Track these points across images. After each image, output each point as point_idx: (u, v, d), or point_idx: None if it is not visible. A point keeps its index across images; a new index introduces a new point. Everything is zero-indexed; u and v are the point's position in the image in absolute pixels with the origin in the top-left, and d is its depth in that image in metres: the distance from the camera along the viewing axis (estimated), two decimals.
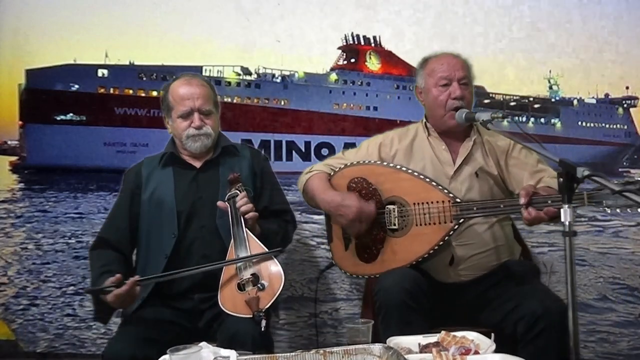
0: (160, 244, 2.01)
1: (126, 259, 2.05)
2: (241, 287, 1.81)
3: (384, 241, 2.01)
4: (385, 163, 2.07)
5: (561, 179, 1.50)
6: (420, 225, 1.96)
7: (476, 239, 2.03)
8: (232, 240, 1.88)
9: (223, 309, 1.80)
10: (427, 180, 1.97)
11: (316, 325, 2.33)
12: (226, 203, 1.94)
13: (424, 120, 2.17)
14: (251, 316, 1.74)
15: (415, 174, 1.99)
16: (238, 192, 1.93)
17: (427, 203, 1.95)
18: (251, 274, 1.81)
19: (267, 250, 1.87)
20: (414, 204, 1.97)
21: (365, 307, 2.29)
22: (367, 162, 2.10)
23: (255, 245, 1.88)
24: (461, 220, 1.94)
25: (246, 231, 1.89)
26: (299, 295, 3.46)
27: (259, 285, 1.79)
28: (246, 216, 1.90)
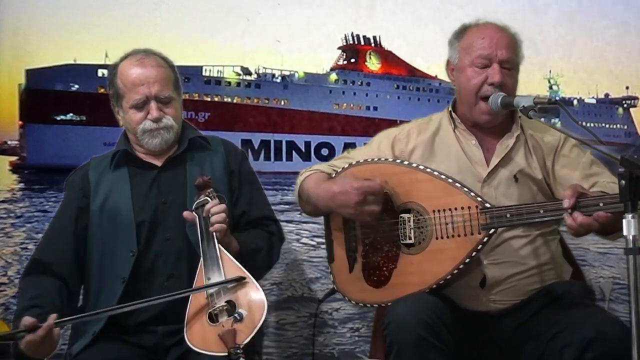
0: (115, 265, 1.64)
1: (68, 289, 1.65)
2: (213, 317, 1.48)
3: (397, 259, 1.64)
4: (398, 161, 1.70)
5: (623, 182, 1.21)
6: (441, 238, 1.59)
7: (513, 257, 1.64)
8: (202, 259, 1.55)
9: (191, 346, 1.47)
10: (450, 181, 1.61)
11: (314, 325, 2.15)
12: (194, 213, 1.60)
13: (450, 108, 1.77)
14: (226, 354, 1.41)
15: (436, 173, 1.62)
16: (209, 199, 1.60)
17: (450, 210, 1.58)
18: (226, 302, 1.49)
19: (245, 271, 1.53)
20: (434, 211, 1.60)
21: (375, 343, 1.84)
22: (375, 160, 1.72)
23: (231, 266, 1.54)
24: (491, 231, 1.56)
25: (219, 248, 1.56)
26: (299, 295, 3.46)
27: (235, 315, 1.46)
28: (212, 228, 1.56)
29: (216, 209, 1.58)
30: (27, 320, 1.45)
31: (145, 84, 1.67)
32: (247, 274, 1.53)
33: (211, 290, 1.51)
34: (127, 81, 1.69)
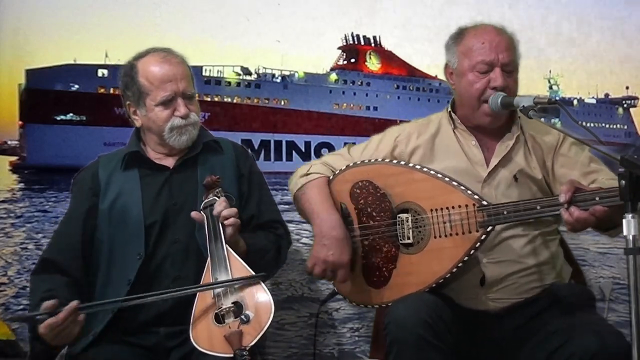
0: (122, 267, 1.64)
1: (77, 286, 1.65)
2: (220, 318, 1.47)
3: (396, 260, 1.66)
4: (395, 161, 1.72)
5: (623, 182, 1.21)
6: (439, 237, 1.61)
7: (512, 256, 1.65)
8: (209, 259, 1.55)
9: (196, 346, 1.46)
10: (447, 180, 1.62)
11: (316, 325, 2.14)
12: (202, 213, 1.60)
13: (449, 109, 1.78)
14: (231, 355, 1.42)
15: (432, 172, 1.65)
16: (217, 198, 1.61)
17: (447, 208, 1.60)
18: (233, 303, 1.48)
19: (252, 272, 1.54)
20: (431, 210, 1.62)
21: (375, 343, 1.85)
22: (372, 161, 1.75)
23: (239, 267, 1.54)
24: (489, 229, 1.57)
25: (227, 248, 1.55)
26: (299, 295, 3.46)
27: (242, 316, 1.46)
28: (226, 222, 1.57)
29: (225, 205, 1.58)
30: (48, 302, 1.45)
31: (173, 80, 1.68)
32: (256, 275, 1.53)
33: (218, 291, 1.50)
34: (154, 78, 1.68)
